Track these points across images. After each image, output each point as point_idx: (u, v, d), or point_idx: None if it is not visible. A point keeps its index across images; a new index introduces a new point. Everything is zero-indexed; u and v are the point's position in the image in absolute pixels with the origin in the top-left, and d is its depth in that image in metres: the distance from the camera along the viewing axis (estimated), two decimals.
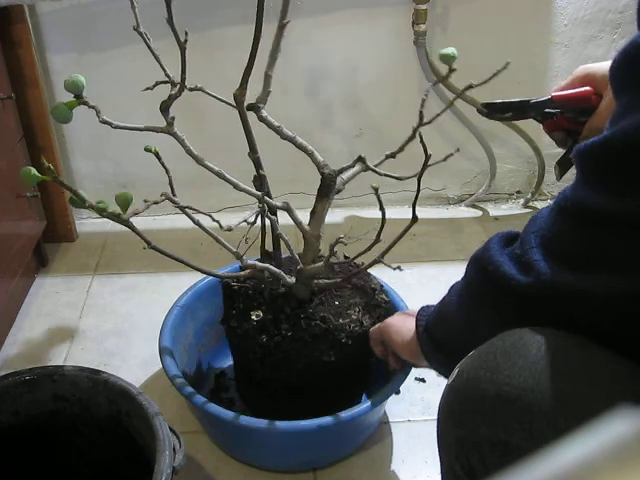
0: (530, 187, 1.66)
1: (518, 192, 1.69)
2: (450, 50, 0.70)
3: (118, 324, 1.29)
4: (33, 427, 0.88)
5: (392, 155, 0.82)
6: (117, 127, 0.79)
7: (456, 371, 0.57)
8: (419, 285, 1.37)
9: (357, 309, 0.94)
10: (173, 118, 0.81)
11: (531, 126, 1.62)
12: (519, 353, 0.52)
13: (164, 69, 0.79)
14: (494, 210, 1.66)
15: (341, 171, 0.84)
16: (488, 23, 1.46)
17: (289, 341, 0.89)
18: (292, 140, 0.83)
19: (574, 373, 0.50)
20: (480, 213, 1.65)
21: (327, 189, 0.85)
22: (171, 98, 0.79)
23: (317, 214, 0.87)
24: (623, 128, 0.47)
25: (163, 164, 0.81)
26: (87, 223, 1.60)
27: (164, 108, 0.80)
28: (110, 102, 1.51)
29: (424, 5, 1.38)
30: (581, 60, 1.50)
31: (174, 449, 0.76)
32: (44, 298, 1.37)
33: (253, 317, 0.92)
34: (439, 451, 0.60)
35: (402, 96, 1.52)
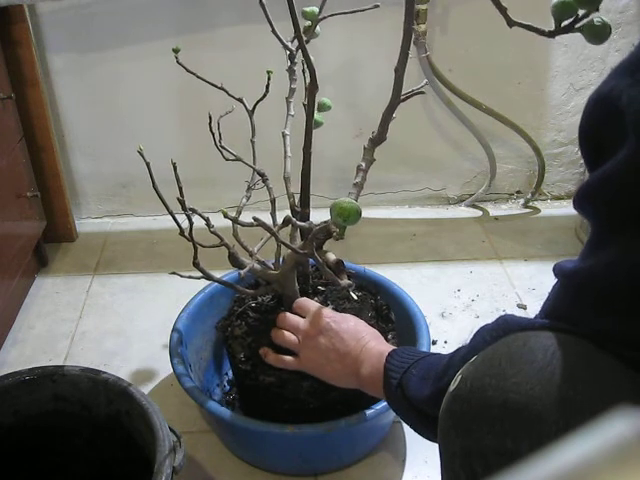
0: (530, 187, 1.65)
1: (518, 192, 1.69)
2: None
3: (118, 324, 1.29)
4: (33, 427, 0.87)
5: None
6: None
7: (458, 378, 0.56)
8: (419, 285, 1.37)
9: None
10: None
11: (531, 126, 1.63)
12: (525, 359, 0.51)
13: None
14: (494, 210, 1.66)
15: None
16: (488, 23, 1.45)
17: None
18: None
19: (582, 381, 0.49)
20: (480, 213, 1.65)
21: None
22: None
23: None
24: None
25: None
26: (87, 223, 1.59)
27: None
28: (110, 102, 1.52)
29: (424, 5, 1.38)
30: (581, 60, 1.50)
31: (174, 449, 0.76)
32: (44, 298, 1.37)
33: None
34: (441, 459, 0.58)
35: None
